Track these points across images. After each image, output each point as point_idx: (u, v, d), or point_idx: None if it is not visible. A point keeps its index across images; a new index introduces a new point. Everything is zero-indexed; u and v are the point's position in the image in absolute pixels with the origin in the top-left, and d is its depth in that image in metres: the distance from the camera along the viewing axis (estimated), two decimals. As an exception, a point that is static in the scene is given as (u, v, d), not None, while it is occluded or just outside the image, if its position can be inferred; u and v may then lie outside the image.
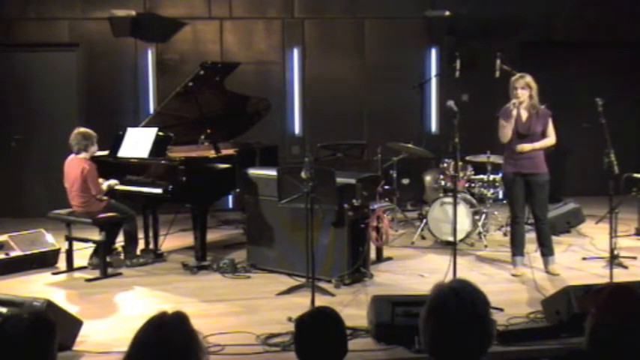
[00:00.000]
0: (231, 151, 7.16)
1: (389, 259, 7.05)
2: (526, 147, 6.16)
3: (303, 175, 5.50)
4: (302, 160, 5.58)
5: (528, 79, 6.16)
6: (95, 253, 6.73)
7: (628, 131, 10.35)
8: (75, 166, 6.58)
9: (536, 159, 6.19)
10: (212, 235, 7.73)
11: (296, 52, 9.93)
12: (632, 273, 6.40)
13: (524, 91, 6.13)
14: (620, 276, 6.00)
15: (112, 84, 9.61)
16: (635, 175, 7.70)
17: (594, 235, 7.92)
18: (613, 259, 6.08)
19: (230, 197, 9.50)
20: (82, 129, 6.67)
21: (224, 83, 7.26)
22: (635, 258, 6.86)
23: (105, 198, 6.65)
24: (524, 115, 6.19)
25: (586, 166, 9.45)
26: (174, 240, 7.75)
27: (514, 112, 6.11)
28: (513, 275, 6.39)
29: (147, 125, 7.02)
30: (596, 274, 6.38)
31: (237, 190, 6.98)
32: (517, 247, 6.43)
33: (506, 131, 6.12)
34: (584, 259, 6.94)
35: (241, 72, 7.84)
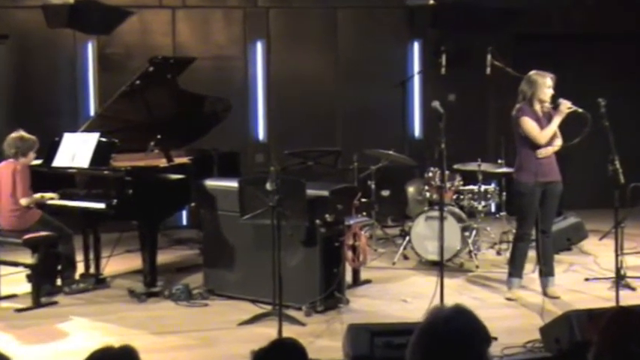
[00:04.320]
0: (185, 160, 7.13)
1: (367, 282, 7.07)
2: (550, 149, 6.31)
3: (268, 186, 5.50)
4: (267, 170, 5.58)
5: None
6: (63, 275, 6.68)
7: (635, 135, 10.52)
8: (6, 168, 6.55)
9: (554, 165, 6.38)
10: (163, 257, 7.68)
11: (259, 46, 9.94)
12: (640, 295, 6.50)
13: (552, 92, 6.30)
14: (628, 298, 6.09)
15: (47, 82, 9.52)
16: (643, 185, 7.81)
17: (598, 252, 8.03)
18: (619, 280, 6.17)
19: (184, 213, 9.45)
20: (22, 132, 6.63)
21: (177, 81, 7.24)
22: (644, 278, 6.97)
23: (38, 212, 6.59)
24: (541, 115, 6.35)
25: (588, 174, 9.59)
26: (119, 263, 7.68)
27: (540, 113, 6.30)
28: (508, 299, 6.45)
29: (87, 130, 6.97)
30: (600, 296, 6.47)
31: (192, 204, 6.95)
32: (516, 268, 6.51)
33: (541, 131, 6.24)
34: (587, 280, 7.03)
35: (197, 68, 7.82)
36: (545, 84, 6.29)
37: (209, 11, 9.87)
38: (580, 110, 6.21)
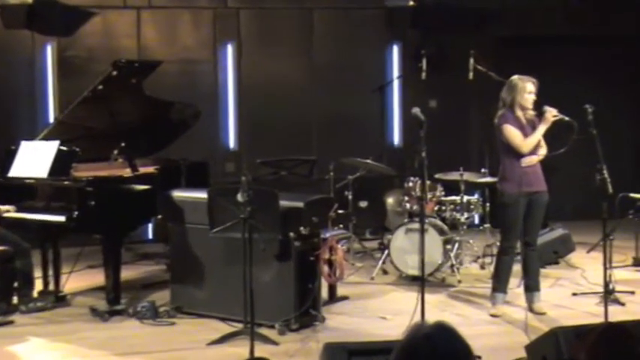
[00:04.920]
0: (151, 170, 7.11)
1: (344, 298, 7.08)
2: (535, 158, 6.34)
3: (239, 197, 5.50)
4: (238, 180, 5.58)
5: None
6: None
7: (623, 143, 10.66)
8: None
9: (540, 174, 6.43)
10: (128, 273, 7.65)
11: (230, 49, 9.95)
12: (629, 310, 6.55)
13: (534, 97, 6.35)
14: (617, 314, 6.13)
15: (2, 86, 9.47)
16: (633, 195, 7.90)
17: (586, 266, 8.10)
18: (608, 295, 6.22)
19: (150, 226, 9.42)
20: None
21: (142, 86, 7.23)
22: (633, 293, 7.04)
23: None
24: (525, 123, 6.38)
25: (575, 184, 9.68)
26: (80, 279, 7.63)
27: (524, 120, 6.34)
28: (492, 316, 6.49)
29: (46, 138, 6.93)
30: (588, 312, 6.52)
31: (159, 216, 6.92)
32: (501, 283, 6.54)
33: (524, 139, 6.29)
34: (574, 294, 7.09)
35: (163, 72, 7.81)
36: (526, 89, 6.32)
37: (176, 12, 9.87)
38: (566, 119, 6.25)
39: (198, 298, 6.53)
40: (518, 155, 6.31)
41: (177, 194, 6.68)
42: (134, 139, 7.14)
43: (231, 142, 10.03)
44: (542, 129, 6.31)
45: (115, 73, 6.78)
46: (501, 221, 6.62)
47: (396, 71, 10.32)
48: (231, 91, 9.99)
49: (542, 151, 6.42)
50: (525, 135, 6.31)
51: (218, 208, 5.85)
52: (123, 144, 7.06)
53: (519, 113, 6.34)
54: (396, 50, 10.36)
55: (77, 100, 6.93)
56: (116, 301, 6.60)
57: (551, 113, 6.26)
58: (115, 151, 7.25)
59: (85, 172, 6.76)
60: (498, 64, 8.96)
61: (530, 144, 6.32)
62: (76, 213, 6.37)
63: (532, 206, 6.38)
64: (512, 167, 6.37)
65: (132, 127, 7.21)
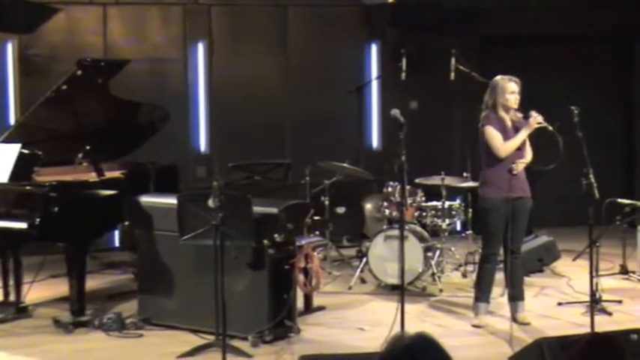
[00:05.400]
0: (117, 174, 7.08)
1: (320, 308, 7.08)
2: (521, 163, 6.36)
3: (210, 203, 5.50)
4: (209, 185, 5.57)
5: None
6: None
7: (610, 146, 10.75)
8: None
9: (523, 178, 6.44)
10: (93, 283, 7.61)
11: (201, 48, 9.94)
12: (617, 320, 6.62)
13: (518, 97, 6.35)
14: (603, 324, 6.18)
15: (-40, 87, 9.40)
16: (620, 200, 7.97)
17: (571, 274, 8.15)
18: (594, 304, 6.27)
19: (116, 233, 9.37)
20: None
21: (108, 86, 7.20)
22: (620, 302, 7.10)
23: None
24: (510, 125, 6.40)
25: (560, 189, 9.75)
26: (43, 289, 7.59)
27: (509, 123, 6.35)
28: (475, 326, 6.52)
29: (6, 141, 6.88)
30: (574, 322, 6.58)
31: (126, 223, 6.89)
32: (484, 292, 6.57)
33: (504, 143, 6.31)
34: (559, 304, 7.14)
35: (131, 72, 7.78)
36: (508, 89, 6.34)
37: (144, 8, 9.84)
38: (550, 128, 6.23)
39: (167, 308, 6.51)
40: (501, 159, 6.34)
41: (146, 200, 6.66)
42: (100, 142, 7.11)
43: (202, 145, 10.00)
44: (523, 133, 6.32)
45: (79, 72, 6.74)
46: (483, 227, 6.65)
47: (374, 71, 10.34)
48: (202, 92, 9.97)
49: (528, 156, 6.45)
50: (507, 138, 6.34)
51: (188, 215, 5.84)
52: (88, 147, 7.02)
53: (503, 115, 6.36)
54: (374, 49, 10.38)
55: (39, 101, 6.89)
56: (81, 312, 6.56)
57: (536, 120, 6.25)
58: (80, 155, 7.20)
59: (47, 176, 6.72)
60: (482, 64, 9.04)
61: (508, 148, 6.32)
62: (39, 220, 6.33)
63: (515, 212, 6.39)
64: (495, 171, 6.39)
65: (97, 129, 7.18)
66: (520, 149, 6.39)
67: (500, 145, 6.32)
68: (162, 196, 6.68)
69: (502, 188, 6.31)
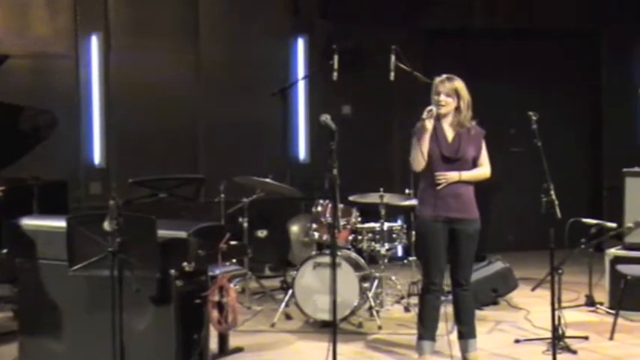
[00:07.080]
0: (-7, 191, 6.99)
1: (238, 350, 7.06)
2: (451, 176, 6.34)
3: (106, 226, 5.44)
4: (105, 204, 5.52)
5: (458, 83, 6.33)
6: None
7: (574, 157, 10.96)
8: None
9: (464, 197, 6.37)
10: (-37, 322, 7.47)
11: (95, 42, 9.86)
12: (582, 359, 6.73)
13: (450, 99, 6.32)
14: (567, 364, 6.31)
15: None
16: (585, 220, 8.08)
17: (530, 306, 8.27)
18: (557, 341, 6.38)
19: (-8, 262, 9.23)
20: None
21: (-18, 87, 7.12)
22: (586, 338, 7.20)
23: None
24: (449, 133, 6.39)
25: (517, 208, 9.91)
26: None
27: (429, 126, 6.30)
28: (419, 368, 6.58)
29: None
30: (534, 362, 6.69)
31: (3, 251, 6.79)
32: (427, 328, 6.59)
33: (421, 155, 6.27)
34: (517, 341, 7.22)
35: (11, 69, 7.71)
36: (435, 89, 6.35)
37: (27, -5, 9.74)
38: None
39: (54, 352, 6.42)
40: (430, 173, 6.34)
41: (28, 223, 6.58)
42: (-28, 154, 7.02)
43: (97, 157, 9.90)
44: (423, 138, 6.27)
45: (-52, 69, 6.65)
46: (420, 253, 6.66)
47: (301, 70, 10.39)
48: (96, 94, 9.87)
49: (479, 172, 6.42)
50: (439, 147, 6.32)
51: (80, 240, 5.77)
52: (-42, 159, 6.93)
53: (439, 121, 6.35)
54: (301, 44, 10.43)
55: None
56: (-52, 358, 6.45)
57: (429, 113, 6.25)
58: (-52, 169, 7.11)
59: None
60: (428, 63, 9.13)
61: (412, 157, 6.34)
62: None
63: (455, 237, 6.38)
64: (425, 187, 6.43)
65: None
66: (453, 164, 6.33)
67: (412, 157, 6.36)
68: (47, 218, 6.60)
69: (434, 206, 6.30)
